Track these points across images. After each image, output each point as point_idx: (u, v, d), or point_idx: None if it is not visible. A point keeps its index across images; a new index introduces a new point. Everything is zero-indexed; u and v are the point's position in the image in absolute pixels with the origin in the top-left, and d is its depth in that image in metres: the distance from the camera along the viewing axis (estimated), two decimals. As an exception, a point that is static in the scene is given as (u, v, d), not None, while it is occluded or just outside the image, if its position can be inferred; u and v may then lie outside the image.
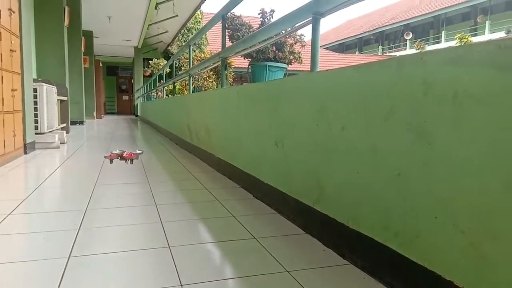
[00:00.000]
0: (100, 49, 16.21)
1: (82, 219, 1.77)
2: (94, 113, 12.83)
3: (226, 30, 3.37)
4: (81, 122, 9.41)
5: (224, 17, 3.23)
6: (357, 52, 28.84)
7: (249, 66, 3.46)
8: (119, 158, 3.52)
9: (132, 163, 3.34)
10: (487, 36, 18.44)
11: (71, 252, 1.37)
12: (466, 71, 0.91)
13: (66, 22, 6.98)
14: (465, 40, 18.45)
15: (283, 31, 2.53)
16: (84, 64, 10.38)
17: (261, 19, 3.45)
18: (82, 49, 9.85)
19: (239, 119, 2.56)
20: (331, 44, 28.64)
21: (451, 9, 19.83)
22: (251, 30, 3.48)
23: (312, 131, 1.59)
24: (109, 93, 20.98)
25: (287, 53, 3.40)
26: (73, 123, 8.77)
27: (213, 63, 3.78)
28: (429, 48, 21.59)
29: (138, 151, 3.82)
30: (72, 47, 8.46)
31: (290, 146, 1.80)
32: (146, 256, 1.34)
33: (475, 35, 19.08)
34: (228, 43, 3.43)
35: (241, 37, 3.35)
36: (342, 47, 29.09)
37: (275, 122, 1.97)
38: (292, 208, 1.78)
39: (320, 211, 1.52)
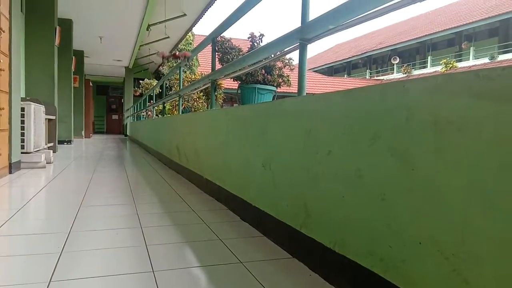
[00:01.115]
0: (90, 68, 16.25)
1: (65, 242, 1.73)
2: (83, 132, 12.73)
3: (216, 53, 3.42)
4: (69, 141, 9.32)
5: (214, 40, 3.28)
6: (345, 75, 29.34)
7: (239, 88, 3.50)
8: (172, 58, 3.43)
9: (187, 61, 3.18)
10: (471, 62, 18.95)
11: (52, 276, 1.34)
12: (446, 99, 0.93)
13: (57, 42, 7.00)
14: (450, 66, 18.94)
15: (272, 55, 2.58)
16: (74, 83, 10.36)
17: (251, 42, 3.52)
18: (73, 68, 9.86)
19: (228, 140, 2.56)
20: (320, 67, 29.13)
21: (436, 35, 20.41)
22: (240, 53, 3.54)
23: (299, 154, 1.60)
24: (98, 112, 20.91)
25: (276, 76, 3.45)
26: (61, 142, 8.68)
27: (203, 85, 3.81)
28: (416, 72, 22.09)
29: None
30: (62, 66, 8.46)
31: (277, 169, 1.81)
32: (129, 281, 1.32)
33: (460, 60, 19.60)
34: (218, 66, 3.47)
35: (230, 60, 3.39)
36: (331, 70, 29.59)
37: (263, 145, 1.98)
38: (279, 232, 1.77)
39: (307, 235, 1.52)
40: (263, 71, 3.48)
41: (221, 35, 3.49)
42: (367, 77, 26.83)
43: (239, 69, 2.86)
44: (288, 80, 3.57)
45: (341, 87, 23.34)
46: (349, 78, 27.94)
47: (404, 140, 1.05)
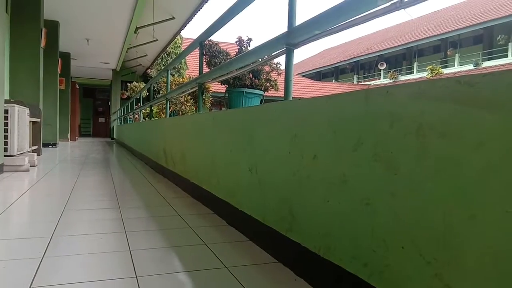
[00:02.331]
0: (77, 70, 16.06)
1: (47, 247, 1.70)
2: (68, 135, 12.56)
3: (204, 57, 3.41)
4: (54, 144, 9.18)
5: (202, 44, 3.27)
6: (333, 80, 29.56)
7: (226, 92, 3.49)
8: None
9: None
10: (457, 68, 19.29)
11: (32, 282, 1.31)
12: (429, 105, 0.94)
13: (43, 44, 6.91)
14: (436, 72, 19.24)
15: (260, 59, 2.58)
16: (60, 85, 10.23)
17: (239, 47, 3.52)
18: (59, 70, 9.73)
19: (215, 144, 2.55)
20: (309, 72, 29.30)
21: (422, 42, 20.72)
22: (228, 57, 3.54)
23: (285, 158, 1.60)
24: (85, 115, 20.66)
25: (263, 80, 3.45)
26: (45, 145, 8.55)
27: (191, 88, 3.80)
28: (402, 78, 22.37)
29: None
30: (48, 68, 8.34)
31: (264, 173, 1.81)
32: (112, 286, 1.30)
33: (446, 67, 19.93)
34: (206, 69, 3.46)
35: (218, 63, 3.39)
36: (319, 75, 29.80)
37: (249, 149, 1.98)
38: (265, 236, 1.76)
39: (292, 239, 1.52)
40: (251, 75, 3.48)
41: (209, 38, 3.49)
42: (354, 82, 27.07)
43: (227, 73, 2.85)
44: (276, 85, 3.57)
45: (328, 92, 23.45)
46: (337, 83, 28.16)
47: (388, 145, 1.06)
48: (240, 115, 2.20)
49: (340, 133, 1.27)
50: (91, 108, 21.41)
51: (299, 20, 1.75)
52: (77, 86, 15.63)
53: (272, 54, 2.10)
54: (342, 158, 1.24)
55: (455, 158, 0.86)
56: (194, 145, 3.09)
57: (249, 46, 3.59)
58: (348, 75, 28.46)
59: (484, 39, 18.99)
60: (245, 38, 3.51)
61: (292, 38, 1.75)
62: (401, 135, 1.02)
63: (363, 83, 26.03)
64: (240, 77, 3.40)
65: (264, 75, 3.48)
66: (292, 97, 1.77)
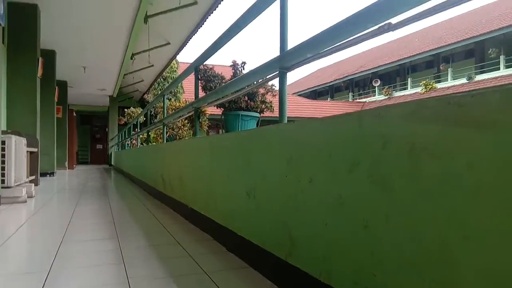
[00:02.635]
0: (74, 98, 16.16)
1: (45, 282, 1.67)
2: (66, 164, 12.53)
3: (199, 81, 3.45)
4: (52, 173, 9.14)
5: (197, 68, 3.31)
6: (328, 98, 29.79)
7: (222, 115, 3.51)
8: None
9: None
10: (450, 82, 19.49)
11: (28, 319, 1.28)
12: (420, 125, 0.95)
13: (39, 73, 6.97)
14: (430, 87, 19.44)
15: (255, 82, 2.61)
16: (57, 114, 10.27)
17: (233, 70, 3.56)
18: (56, 99, 9.79)
19: (212, 169, 2.55)
20: (304, 91, 29.57)
21: (415, 58, 21.00)
22: (223, 80, 3.58)
23: (282, 182, 1.59)
24: (82, 142, 20.66)
25: (259, 103, 3.48)
26: (43, 174, 8.51)
27: (187, 113, 3.82)
28: (396, 94, 22.56)
29: None
30: (45, 97, 8.39)
31: (262, 197, 1.80)
32: (110, 321, 1.27)
33: (439, 81, 20.14)
34: (201, 93, 3.49)
35: (213, 88, 3.43)
36: (315, 94, 30.06)
37: (247, 173, 1.98)
38: (265, 262, 1.74)
39: (292, 265, 1.50)
40: (246, 98, 3.51)
41: (204, 63, 3.53)
42: (350, 100, 27.27)
43: (222, 97, 2.88)
44: (271, 106, 3.60)
45: (324, 110, 23.68)
46: (332, 101, 28.37)
47: (382, 167, 1.06)
48: (236, 139, 2.20)
49: (335, 155, 1.27)
50: (88, 135, 21.44)
51: (291, 43, 1.78)
52: (75, 114, 15.70)
53: (266, 77, 2.12)
54: (338, 181, 1.24)
55: (448, 178, 0.86)
56: (192, 170, 3.08)
57: (243, 69, 3.64)
58: (343, 92, 28.70)
59: (476, 53, 19.27)
60: (239, 62, 3.57)
61: (285, 61, 1.78)
62: (394, 156, 1.02)
63: (358, 100, 26.21)
64: (236, 100, 3.42)
65: (259, 97, 3.52)
66: (287, 120, 1.77)
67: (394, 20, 1.18)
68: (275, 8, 1.87)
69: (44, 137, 8.40)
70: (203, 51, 2.95)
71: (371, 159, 1.10)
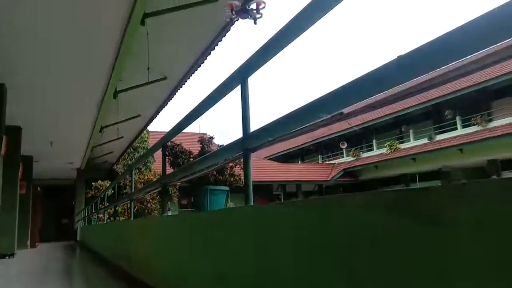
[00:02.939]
0: (40, 172, 15.63)
1: None
2: (28, 242, 11.79)
3: (167, 157, 3.45)
4: (12, 255, 8.54)
5: (164, 145, 3.32)
6: (299, 161, 30.32)
7: (191, 191, 3.48)
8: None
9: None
10: (412, 143, 20.42)
11: None
12: (377, 217, 0.97)
13: (3, 151, 6.79)
14: (394, 147, 20.24)
15: (223, 160, 2.64)
16: (20, 190, 9.85)
17: (201, 145, 3.61)
18: (19, 176, 9.45)
19: (180, 250, 2.46)
20: (276, 155, 30.02)
21: (378, 121, 22.02)
22: (191, 155, 3.60)
23: (250, 265, 1.55)
24: (47, 217, 19.65)
25: (227, 176, 3.50)
26: (2, 256, 7.95)
27: (155, 188, 3.76)
28: (364, 155, 23.30)
29: None
30: (8, 174, 8.07)
31: (231, 280, 1.73)
32: None
33: (402, 142, 21.07)
34: (170, 169, 3.48)
35: (181, 163, 3.44)
36: (286, 157, 30.55)
37: (214, 256, 1.92)
38: None
39: None
40: (215, 172, 3.52)
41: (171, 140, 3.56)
42: (319, 162, 27.84)
43: (190, 174, 2.87)
44: (240, 179, 3.63)
45: (296, 173, 23.95)
46: (303, 163, 28.87)
47: (347, 256, 1.06)
48: (203, 219, 2.17)
49: (302, 241, 1.26)
50: (54, 209, 20.49)
51: (254, 125, 1.84)
52: (39, 189, 15.12)
53: (231, 157, 2.15)
54: (305, 268, 1.22)
55: (405, 268, 0.87)
56: (159, 249, 2.97)
57: (211, 144, 3.70)
58: (313, 155, 29.34)
59: (433, 114, 20.48)
60: (206, 137, 3.63)
61: (248, 143, 1.82)
62: (356, 245, 1.03)
63: (328, 162, 26.80)
64: (204, 174, 3.42)
65: (228, 170, 3.54)
66: (253, 203, 1.77)
67: (346, 110, 1.25)
68: (237, 92, 1.95)
69: (4, 216, 7.95)
70: (170, 129, 2.99)
71: (337, 246, 1.10)
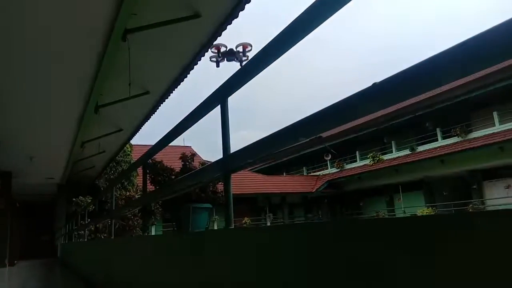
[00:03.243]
0: (19, 188, 15.21)
1: None
2: (6, 261, 11.41)
3: (148, 175, 3.41)
4: (-13, 275, 8.25)
5: (145, 163, 3.28)
6: (284, 173, 30.43)
7: (173, 210, 3.43)
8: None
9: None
10: (395, 154, 20.73)
11: None
12: (353, 242, 0.96)
13: (-21, 168, 6.59)
14: (378, 158, 20.50)
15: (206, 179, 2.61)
16: (-3, 207, 9.57)
17: (182, 162, 3.58)
18: (-3, 192, 9.19)
19: (159, 271, 2.41)
20: (261, 167, 30.02)
21: (360, 133, 22.29)
22: (173, 173, 3.56)
23: (230, 286, 1.53)
24: (27, 234, 19.10)
25: (210, 194, 3.46)
26: (-24, 277, 7.66)
27: (136, 207, 3.70)
28: (348, 166, 23.52)
29: None
30: (-16, 192, 7.85)
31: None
32: None
33: (385, 153, 21.36)
34: (151, 187, 3.43)
35: (162, 181, 3.39)
36: (271, 169, 30.58)
37: (197, 277, 1.88)
38: None
39: None
40: (197, 190, 3.49)
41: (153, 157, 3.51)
42: (304, 174, 27.95)
43: (171, 193, 2.83)
44: (222, 196, 3.58)
45: (281, 185, 23.98)
46: (288, 175, 28.95)
47: (326, 279, 1.05)
48: (184, 240, 2.13)
49: (280, 265, 1.25)
50: (34, 226, 19.93)
51: (234, 147, 1.82)
52: (18, 204, 14.72)
53: (212, 177, 2.13)
54: (284, 295, 1.21)
55: (386, 301, 0.86)
56: (140, 269, 2.90)
57: (193, 161, 3.66)
58: (298, 167, 29.43)
59: (415, 126, 20.86)
60: (188, 154, 3.61)
61: (229, 164, 1.81)
62: (334, 271, 1.02)
63: (312, 173, 26.93)
64: (186, 192, 3.38)
65: (211, 187, 3.50)
66: (234, 225, 1.75)
67: (324, 134, 1.25)
68: (217, 112, 1.94)
69: (-20, 235, 7.70)
70: (150, 148, 2.96)
71: (312, 273, 1.09)
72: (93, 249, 5.55)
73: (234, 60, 3.46)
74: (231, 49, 3.38)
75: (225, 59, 3.53)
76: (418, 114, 19.09)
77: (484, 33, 0.75)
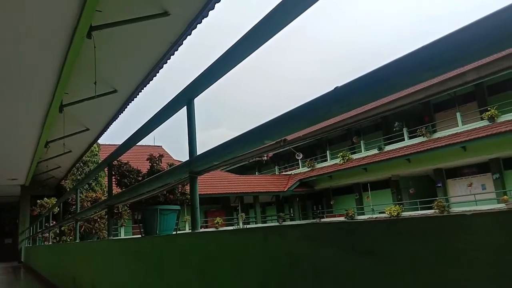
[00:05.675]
0: (-21, 190, 14.56)
1: None
2: (-37, 266, 10.85)
3: (113, 177, 3.31)
4: None
5: (110, 164, 3.19)
6: (256, 172, 30.48)
7: (139, 212, 3.34)
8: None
9: None
10: (364, 153, 21.18)
11: None
12: (319, 248, 0.96)
13: None
14: (347, 158, 20.88)
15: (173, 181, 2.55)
16: (-46, 210, 9.08)
17: (150, 163, 3.50)
18: (-47, 194, 8.72)
19: (125, 275, 2.34)
20: (233, 167, 29.99)
21: (326, 134, 22.67)
22: (140, 175, 3.47)
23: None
24: (-13, 238, 18.27)
25: (178, 195, 3.40)
26: None
27: (101, 209, 3.59)
28: (318, 165, 23.83)
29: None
30: None
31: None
32: None
33: (354, 152, 21.79)
34: (116, 189, 3.34)
35: (128, 184, 3.30)
36: (244, 169, 30.57)
37: (160, 283, 1.84)
38: None
39: None
40: (165, 191, 3.41)
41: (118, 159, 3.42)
42: (276, 173, 28.10)
43: (138, 195, 2.76)
44: (192, 198, 3.51)
45: (253, 184, 24.03)
46: (260, 175, 29.03)
47: (291, 286, 1.04)
48: (149, 245, 2.07)
49: (245, 268, 1.23)
50: (-5, 229, 19.09)
51: (200, 149, 1.79)
52: (-22, 207, 14.04)
53: (180, 179, 2.09)
54: (248, 300, 1.19)
55: (348, 306, 0.86)
56: (105, 274, 2.81)
57: (161, 162, 3.59)
58: (270, 166, 29.57)
59: (383, 126, 21.39)
60: (156, 155, 3.53)
61: (195, 167, 1.77)
62: (301, 276, 1.01)
63: (284, 173, 27.11)
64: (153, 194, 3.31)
65: (179, 189, 3.44)
66: (200, 229, 1.72)
67: (289, 137, 1.24)
68: (184, 113, 1.90)
69: None
70: (115, 149, 2.87)
71: (280, 277, 1.08)
72: (57, 253, 5.37)
73: None
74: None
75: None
76: (384, 115, 19.59)
77: (448, 36, 0.76)
